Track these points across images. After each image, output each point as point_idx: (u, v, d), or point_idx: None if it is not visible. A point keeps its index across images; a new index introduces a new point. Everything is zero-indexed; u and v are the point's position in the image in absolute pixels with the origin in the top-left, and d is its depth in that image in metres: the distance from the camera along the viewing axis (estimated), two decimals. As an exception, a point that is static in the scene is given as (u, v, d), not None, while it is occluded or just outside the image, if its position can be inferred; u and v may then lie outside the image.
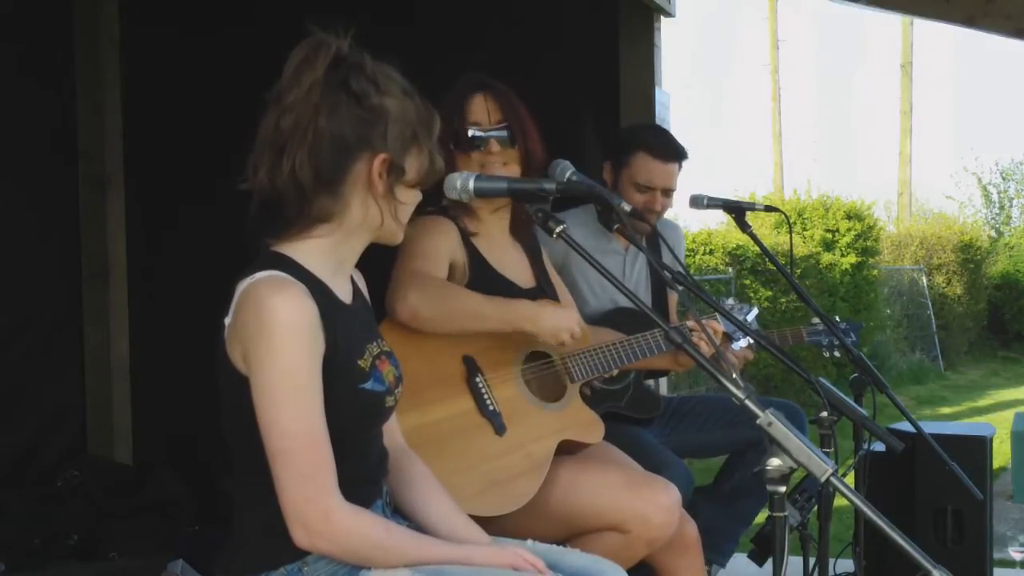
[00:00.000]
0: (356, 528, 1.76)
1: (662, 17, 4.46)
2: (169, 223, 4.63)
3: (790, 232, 5.20)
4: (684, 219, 28.60)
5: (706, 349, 2.68)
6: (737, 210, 3.03)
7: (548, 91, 3.90)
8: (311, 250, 1.84)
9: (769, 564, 2.90)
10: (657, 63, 4.41)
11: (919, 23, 21.23)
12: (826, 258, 12.21)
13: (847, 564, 3.53)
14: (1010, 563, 3.55)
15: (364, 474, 1.88)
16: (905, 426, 3.16)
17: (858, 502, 1.62)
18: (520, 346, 2.62)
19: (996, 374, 14.63)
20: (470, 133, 2.60)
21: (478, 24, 4.33)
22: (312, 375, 1.74)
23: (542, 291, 2.77)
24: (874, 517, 1.60)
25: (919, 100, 37.42)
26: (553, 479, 2.52)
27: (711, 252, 10.49)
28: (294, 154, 1.78)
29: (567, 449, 2.61)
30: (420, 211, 2.48)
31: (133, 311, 4.59)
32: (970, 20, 4.25)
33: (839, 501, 2.40)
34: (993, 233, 20.30)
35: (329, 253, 1.86)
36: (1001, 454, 6.60)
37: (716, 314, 2.88)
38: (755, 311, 3.08)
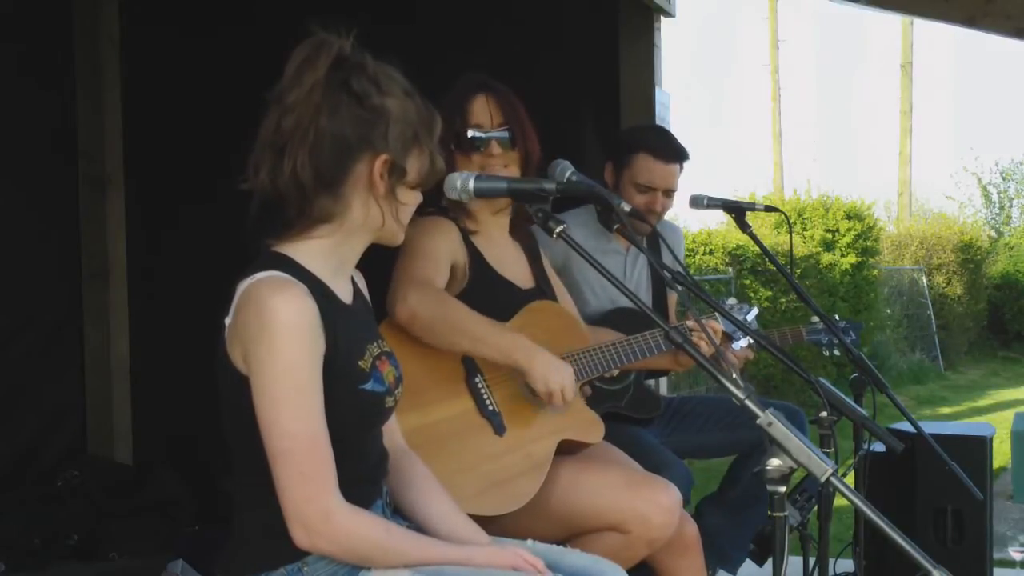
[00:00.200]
0: (356, 529, 1.76)
1: (662, 17, 4.46)
2: (169, 223, 4.63)
3: (790, 232, 5.20)
4: (684, 219, 28.61)
5: (706, 349, 2.68)
6: (737, 210, 3.03)
7: (548, 91, 3.90)
8: (312, 251, 1.84)
9: (769, 564, 2.90)
10: (657, 63, 4.41)
11: (919, 23, 21.23)
12: (826, 258, 12.21)
13: (847, 564, 3.53)
14: (1010, 563, 3.55)
15: (364, 474, 1.88)
16: (905, 426, 3.16)
17: (858, 502, 1.62)
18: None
19: (996, 374, 14.64)
20: (471, 135, 2.60)
21: (478, 24, 4.33)
22: (312, 375, 1.74)
23: (541, 292, 2.77)
24: (874, 517, 1.60)
25: (919, 100, 37.41)
26: (553, 479, 2.52)
27: (711, 252, 10.49)
28: (295, 154, 1.78)
29: (567, 449, 2.61)
30: (420, 211, 2.49)
31: (133, 311, 4.59)
32: (970, 20, 4.25)
33: (839, 501, 2.40)
34: (993, 233, 20.30)
35: (330, 254, 1.86)
36: (1001, 454, 6.60)
37: (716, 314, 2.87)
38: (755, 311, 3.08)
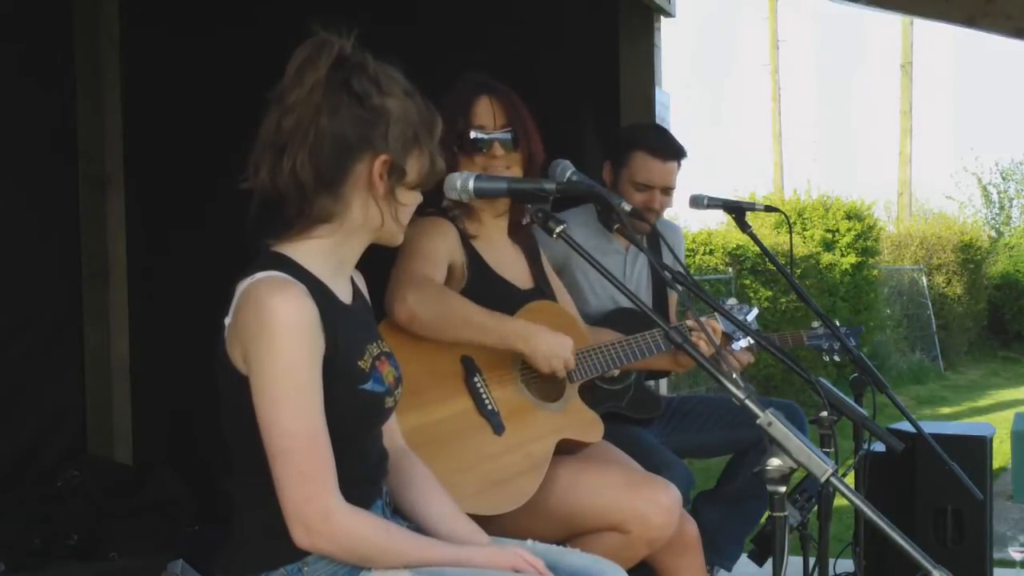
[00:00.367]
0: (356, 529, 1.76)
1: (662, 17, 4.46)
2: (169, 223, 4.63)
3: (790, 232, 5.21)
4: (684, 219, 28.61)
5: (706, 349, 2.68)
6: (737, 210, 3.03)
7: (548, 91, 3.90)
8: (311, 251, 1.84)
9: (769, 564, 2.90)
10: (657, 63, 4.41)
11: (919, 23, 21.24)
12: (826, 258, 12.21)
13: (847, 564, 3.53)
14: (1010, 563, 3.55)
15: (364, 474, 1.88)
16: (905, 426, 3.16)
17: (858, 502, 1.62)
18: (519, 347, 2.61)
19: (996, 374, 14.64)
20: (474, 136, 2.60)
21: (479, 24, 4.33)
22: (312, 375, 1.74)
23: (540, 292, 2.77)
24: (874, 517, 1.60)
25: (919, 100, 37.45)
26: (553, 479, 2.52)
27: (711, 252, 10.49)
28: (295, 154, 1.78)
29: (567, 449, 2.61)
30: (420, 212, 2.49)
31: (133, 311, 4.59)
32: (970, 20, 4.25)
33: (839, 501, 2.40)
34: (993, 233, 20.30)
35: (329, 254, 1.86)
36: (1001, 454, 6.60)
37: (716, 314, 2.87)
38: (755, 311, 3.08)
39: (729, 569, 3.46)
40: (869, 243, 12.95)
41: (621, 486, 2.53)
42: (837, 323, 3.22)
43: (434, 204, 2.50)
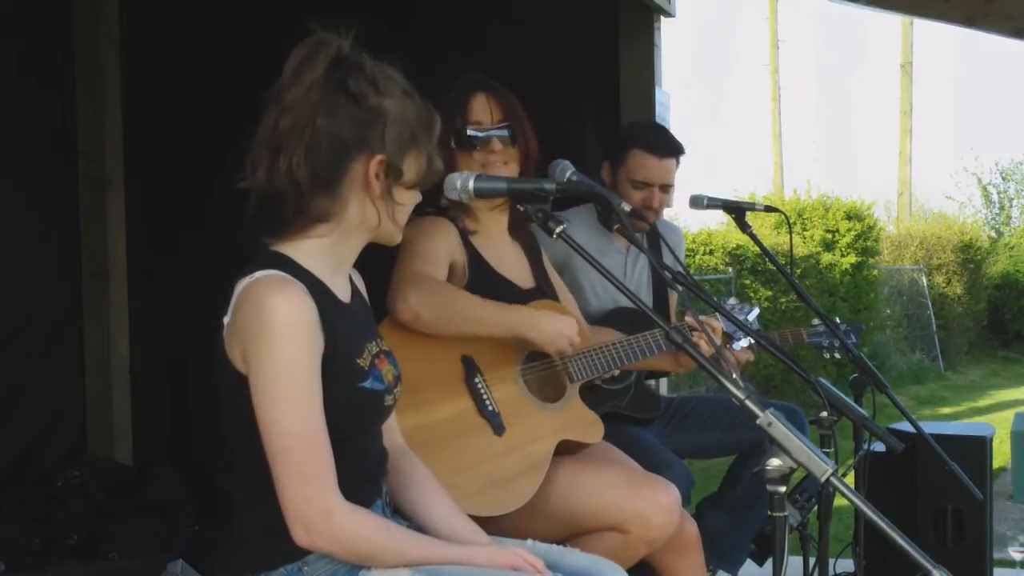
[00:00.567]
0: (356, 528, 1.76)
1: (662, 17, 4.46)
2: (169, 223, 4.63)
3: (790, 232, 5.20)
4: (684, 219, 28.58)
5: (706, 349, 2.68)
6: (737, 210, 3.03)
7: (548, 91, 3.91)
8: (310, 250, 1.84)
9: (769, 564, 2.90)
10: (657, 63, 4.41)
11: (919, 23, 21.23)
12: (826, 258, 12.21)
13: (847, 564, 3.53)
14: (1010, 563, 3.55)
15: (363, 474, 1.88)
16: (905, 426, 3.16)
17: (858, 502, 1.62)
18: (519, 346, 2.62)
19: (996, 374, 14.64)
20: (472, 132, 2.61)
21: (479, 24, 4.33)
22: (312, 374, 1.74)
23: (541, 291, 2.77)
24: (874, 517, 1.60)
25: (919, 100, 37.41)
26: (553, 479, 2.52)
27: (711, 252, 10.49)
28: (291, 153, 1.78)
29: (567, 449, 2.61)
30: (419, 212, 2.49)
31: (133, 311, 4.58)
32: (970, 20, 4.25)
33: (839, 501, 2.40)
34: (993, 233, 20.30)
35: (328, 253, 1.86)
36: (1001, 454, 6.60)
37: (716, 313, 2.87)
38: (756, 311, 3.08)
39: (735, 574, 3.46)
40: (869, 243, 12.95)
41: (621, 486, 2.53)
42: (836, 320, 3.22)
43: (433, 203, 2.50)
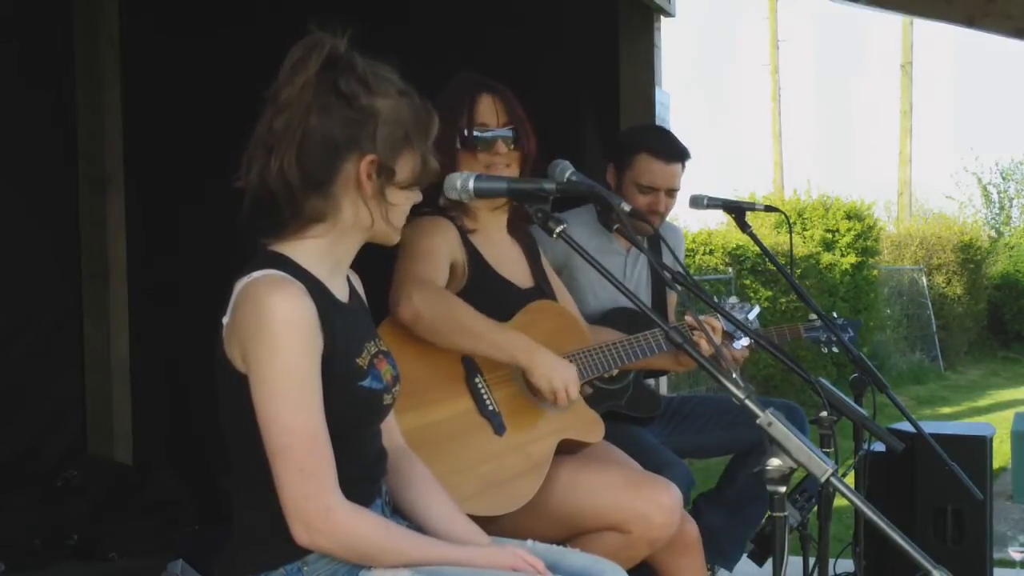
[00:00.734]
0: (356, 527, 1.76)
1: (662, 17, 4.46)
2: (169, 223, 4.63)
3: (790, 232, 5.20)
4: (684, 219, 28.66)
5: (706, 348, 2.68)
6: (737, 210, 3.03)
7: (548, 91, 3.90)
8: (307, 250, 1.84)
9: (769, 564, 2.90)
10: (657, 63, 4.41)
11: (919, 23, 21.23)
12: (826, 258, 12.21)
13: (847, 564, 3.53)
14: (1010, 563, 3.55)
15: (362, 473, 1.88)
16: (905, 426, 3.16)
17: (858, 502, 1.62)
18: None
19: (996, 374, 14.64)
20: (478, 133, 2.61)
21: (479, 24, 4.33)
22: (311, 372, 1.75)
23: (540, 291, 2.77)
24: (874, 517, 1.60)
25: (919, 100, 37.46)
26: (553, 479, 2.52)
27: (711, 252, 10.49)
28: (283, 153, 1.78)
29: (567, 449, 2.60)
30: (418, 212, 2.49)
31: (133, 311, 4.59)
32: (970, 20, 4.25)
33: (839, 501, 2.40)
34: (993, 233, 20.29)
35: (325, 253, 1.86)
36: (1001, 454, 6.60)
37: (715, 312, 2.87)
38: (756, 309, 3.08)
39: (731, 569, 3.46)
40: (869, 243, 12.95)
41: (622, 486, 2.53)
42: (835, 315, 3.21)
43: (432, 203, 2.49)
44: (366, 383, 1.85)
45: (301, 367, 1.73)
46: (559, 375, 2.46)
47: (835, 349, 3.18)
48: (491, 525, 2.10)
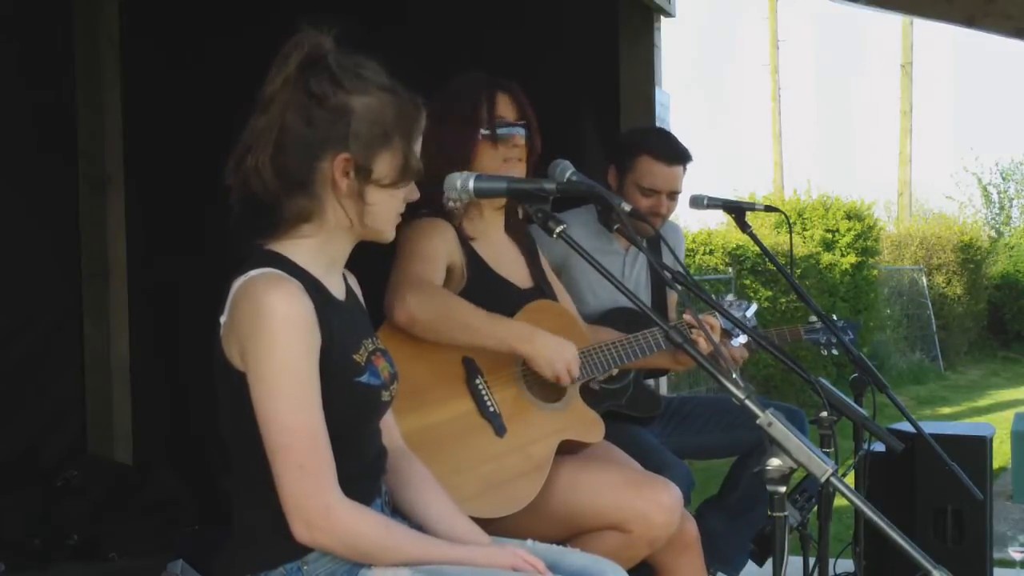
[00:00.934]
0: (356, 525, 1.76)
1: (662, 17, 4.46)
2: (169, 223, 4.63)
3: (790, 232, 5.20)
4: (684, 219, 28.65)
5: (704, 347, 2.68)
6: (737, 210, 3.03)
7: (548, 91, 3.89)
8: (302, 249, 1.85)
9: (769, 564, 2.90)
10: (657, 63, 4.41)
11: (919, 23, 21.24)
12: (826, 258, 12.21)
13: (847, 564, 3.53)
14: (1010, 563, 3.54)
15: (362, 471, 1.88)
16: (905, 426, 3.16)
17: (858, 502, 1.62)
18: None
19: (996, 374, 14.64)
20: (499, 126, 2.63)
21: (479, 24, 4.33)
22: (310, 370, 1.75)
23: (540, 291, 2.77)
24: (874, 517, 1.59)
25: (919, 100, 37.45)
26: (554, 478, 2.52)
27: (711, 252, 10.49)
28: (259, 153, 1.79)
29: (568, 449, 2.60)
30: (416, 213, 2.49)
31: (133, 311, 4.58)
32: (970, 20, 4.25)
33: (839, 501, 2.39)
34: (993, 233, 20.29)
35: (318, 252, 1.86)
36: (1001, 454, 6.60)
37: (714, 311, 2.87)
38: (754, 307, 3.08)
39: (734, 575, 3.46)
40: (869, 243, 12.95)
41: (622, 485, 2.53)
42: (834, 316, 3.21)
43: (430, 204, 2.49)
44: (364, 379, 1.85)
45: (300, 365, 1.73)
46: (560, 357, 2.48)
47: (835, 352, 3.18)
48: (491, 525, 2.11)
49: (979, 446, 3.62)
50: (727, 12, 65.53)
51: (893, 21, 25.53)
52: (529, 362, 2.51)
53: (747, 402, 1.70)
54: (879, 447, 2.87)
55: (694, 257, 10.26)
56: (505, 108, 2.66)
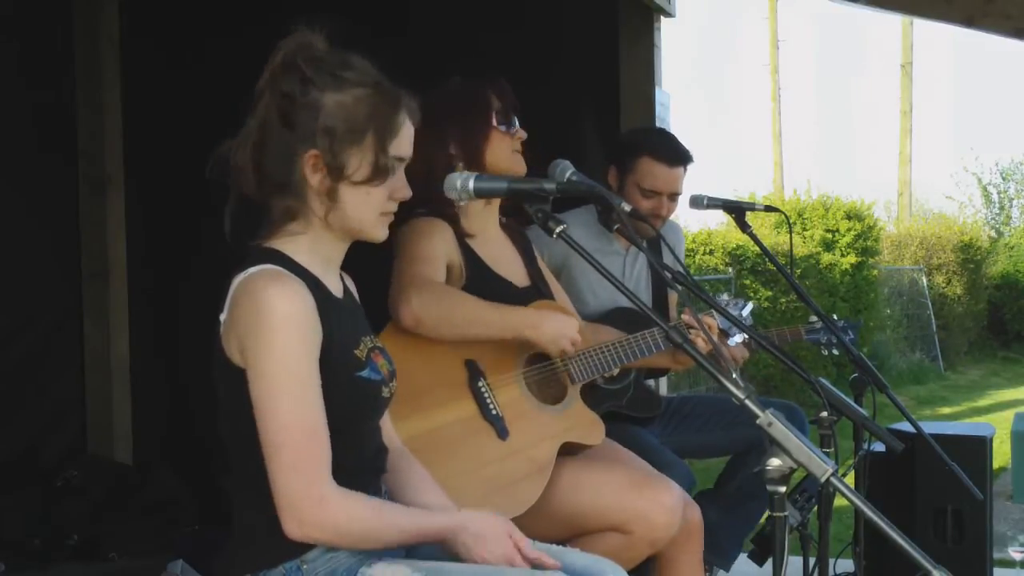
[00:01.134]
0: (349, 510, 1.75)
1: (662, 17, 4.46)
2: (169, 223, 4.63)
3: (790, 232, 5.20)
4: (684, 219, 28.62)
5: (703, 346, 2.68)
6: (737, 210, 3.02)
7: (548, 91, 3.90)
8: (297, 246, 1.85)
9: (769, 564, 2.90)
10: (657, 63, 4.41)
11: (919, 23, 21.23)
12: (826, 258, 12.20)
13: (847, 564, 3.53)
14: (1010, 563, 3.54)
15: (361, 466, 1.88)
16: (905, 426, 3.15)
17: (858, 502, 1.62)
18: (521, 348, 2.62)
19: (996, 374, 14.63)
20: (512, 117, 2.67)
21: (479, 24, 4.33)
22: (310, 366, 1.75)
23: (537, 289, 2.77)
24: (874, 517, 1.59)
25: (919, 100, 37.45)
26: (556, 479, 2.52)
27: (711, 252, 10.48)
28: (237, 151, 1.81)
29: (569, 449, 2.60)
30: (413, 213, 2.49)
31: (133, 311, 4.58)
32: (970, 20, 4.25)
33: (839, 501, 2.39)
34: (993, 233, 20.28)
35: (312, 250, 1.87)
36: (1001, 454, 6.60)
37: (712, 310, 2.87)
38: (750, 305, 3.07)
39: (728, 569, 3.46)
40: (869, 243, 12.94)
41: (623, 486, 2.53)
42: (835, 316, 3.21)
43: (427, 204, 2.49)
44: (364, 374, 1.85)
45: (300, 362, 1.73)
46: (562, 334, 2.55)
47: (835, 352, 3.18)
48: (491, 525, 2.10)
49: (979, 446, 3.62)
50: (727, 12, 65.53)
51: (893, 21, 25.55)
52: (534, 345, 2.53)
53: (747, 402, 1.70)
54: (879, 447, 2.87)
55: (694, 257, 10.25)
56: (512, 102, 2.69)
